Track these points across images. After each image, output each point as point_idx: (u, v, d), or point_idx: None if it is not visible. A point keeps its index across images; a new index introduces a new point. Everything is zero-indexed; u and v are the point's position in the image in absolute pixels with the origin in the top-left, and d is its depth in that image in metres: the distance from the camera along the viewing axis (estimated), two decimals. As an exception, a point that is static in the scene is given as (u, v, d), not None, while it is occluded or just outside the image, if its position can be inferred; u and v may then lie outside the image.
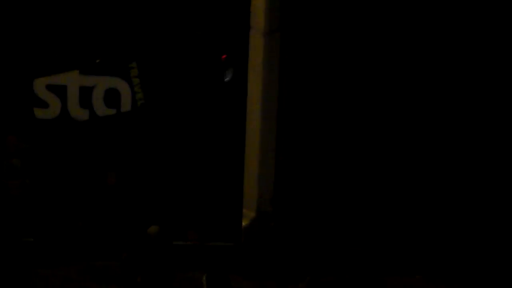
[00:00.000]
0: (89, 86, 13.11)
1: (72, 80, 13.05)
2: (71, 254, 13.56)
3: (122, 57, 13.16)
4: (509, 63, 13.73)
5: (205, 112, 13.82)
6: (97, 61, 13.07)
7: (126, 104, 13.09)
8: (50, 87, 13.05)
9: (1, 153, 13.20)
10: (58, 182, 13.79)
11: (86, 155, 13.71)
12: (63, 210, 13.81)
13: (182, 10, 13.53)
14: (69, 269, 13.24)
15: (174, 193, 13.90)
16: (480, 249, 13.84)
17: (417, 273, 13.64)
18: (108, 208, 13.70)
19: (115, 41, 13.51)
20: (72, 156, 13.71)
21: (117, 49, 13.53)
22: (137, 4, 13.42)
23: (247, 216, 13.84)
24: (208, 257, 13.41)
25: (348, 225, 13.97)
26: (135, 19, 13.46)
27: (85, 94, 13.18)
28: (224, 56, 13.52)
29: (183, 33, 13.62)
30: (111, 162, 13.77)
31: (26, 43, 13.36)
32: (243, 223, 13.80)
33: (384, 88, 13.86)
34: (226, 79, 13.52)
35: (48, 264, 13.32)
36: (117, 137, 13.68)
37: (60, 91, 13.11)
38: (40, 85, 13.08)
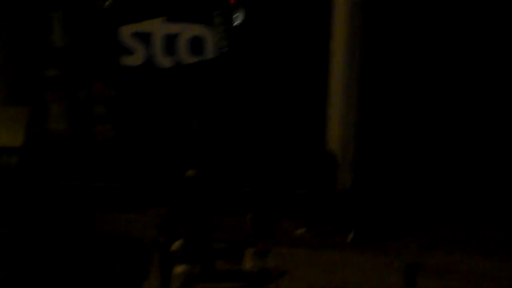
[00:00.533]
0: (174, 34, 13.18)
1: (157, 28, 13.14)
2: (154, 199, 13.80)
3: (206, 5, 13.18)
4: None
5: (287, 59, 13.78)
6: None
7: (209, 52, 13.14)
8: (135, 35, 13.17)
9: (87, 100, 13.43)
10: (143, 129, 13.99)
11: (170, 102, 13.86)
12: (147, 155, 14.02)
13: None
14: (151, 213, 13.50)
15: (257, 140, 13.97)
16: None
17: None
18: (191, 154, 13.84)
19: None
20: (156, 103, 13.88)
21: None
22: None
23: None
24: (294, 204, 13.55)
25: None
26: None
27: (170, 41, 13.26)
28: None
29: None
30: (195, 108, 13.89)
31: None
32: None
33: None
34: (236, 23, 13.38)
35: (132, 209, 13.61)
36: (200, 84, 13.78)
37: (145, 38, 13.22)
38: (126, 33, 13.20)
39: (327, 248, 12.74)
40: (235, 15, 13.38)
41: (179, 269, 10.28)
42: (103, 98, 13.78)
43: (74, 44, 13.74)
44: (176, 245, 10.40)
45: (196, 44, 13.30)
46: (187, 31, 13.27)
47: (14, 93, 13.66)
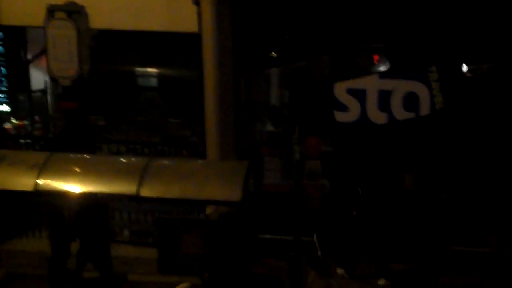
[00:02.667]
0: (388, 90, 13.18)
1: (372, 84, 13.17)
2: (367, 255, 13.78)
3: (421, 61, 13.11)
4: None
5: (505, 116, 13.49)
6: None
7: (425, 108, 13.00)
8: (350, 91, 13.27)
9: (302, 155, 13.62)
10: (350, 184, 14.03)
11: (384, 158, 13.84)
12: (356, 210, 14.04)
13: (482, 13, 13.28)
14: (366, 269, 13.49)
15: (472, 198, 13.68)
16: None
17: None
18: (404, 211, 13.73)
19: (414, 46, 13.53)
20: (370, 159, 13.90)
21: (416, 53, 13.53)
22: (436, 9, 13.34)
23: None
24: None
25: None
26: (435, 24, 13.38)
27: (384, 97, 13.26)
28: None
29: (482, 37, 13.36)
30: (409, 165, 13.80)
31: (329, 49, 13.76)
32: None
33: None
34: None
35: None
36: (415, 141, 13.69)
37: (359, 94, 13.30)
38: (340, 89, 13.34)
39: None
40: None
41: None
42: (317, 153, 13.98)
43: (290, 100, 14.07)
44: None
45: (411, 100, 13.21)
46: (401, 87, 13.22)
47: (233, 148, 14.12)
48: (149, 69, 16.12)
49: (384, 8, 13.42)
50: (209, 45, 13.77)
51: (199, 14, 13.74)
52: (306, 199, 13.96)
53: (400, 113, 13.13)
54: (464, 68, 13.37)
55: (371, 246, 13.59)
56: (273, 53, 13.99)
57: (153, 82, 16.16)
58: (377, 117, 13.28)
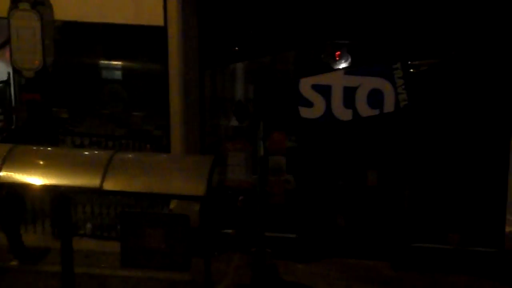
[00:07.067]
0: (353, 87, 13.20)
1: (337, 80, 13.18)
2: (329, 251, 13.83)
3: (386, 58, 13.17)
4: None
5: (468, 115, 13.59)
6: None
7: (389, 105, 13.05)
8: (315, 87, 13.28)
9: (266, 150, 13.63)
10: (320, 180, 14.08)
11: (348, 154, 13.91)
12: (323, 207, 14.07)
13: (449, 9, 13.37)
14: (327, 265, 13.52)
15: (434, 195, 13.78)
16: None
17: None
18: (368, 207, 13.81)
19: (380, 42, 13.58)
20: (334, 155, 13.96)
21: (382, 50, 13.58)
22: (401, 4, 13.41)
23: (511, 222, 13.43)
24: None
25: None
26: (401, 21, 13.44)
27: (349, 94, 13.28)
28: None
29: (448, 35, 13.44)
30: (373, 161, 13.87)
31: (294, 44, 13.78)
32: (507, 229, 13.40)
33: None
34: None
35: (306, 259, 13.67)
36: (379, 137, 13.76)
37: (324, 90, 13.31)
38: (305, 85, 13.34)
39: None
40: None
41: None
42: (282, 148, 13.99)
43: (255, 95, 14.06)
44: None
45: (375, 97, 13.24)
46: (366, 83, 13.24)
47: (197, 142, 14.09)
48: (114, 62, 16.03)
49: (348, 4, 13.48)
50: (174, 38, 13.71)
51: (165, 7, 13.67)
52: (269, 195, 13.98)
53: (364, 110, 13.13)
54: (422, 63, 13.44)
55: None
56: (236, 47, 13.95)
57: (118, 75, 16.07)
58: (342, 113, 13.27)
